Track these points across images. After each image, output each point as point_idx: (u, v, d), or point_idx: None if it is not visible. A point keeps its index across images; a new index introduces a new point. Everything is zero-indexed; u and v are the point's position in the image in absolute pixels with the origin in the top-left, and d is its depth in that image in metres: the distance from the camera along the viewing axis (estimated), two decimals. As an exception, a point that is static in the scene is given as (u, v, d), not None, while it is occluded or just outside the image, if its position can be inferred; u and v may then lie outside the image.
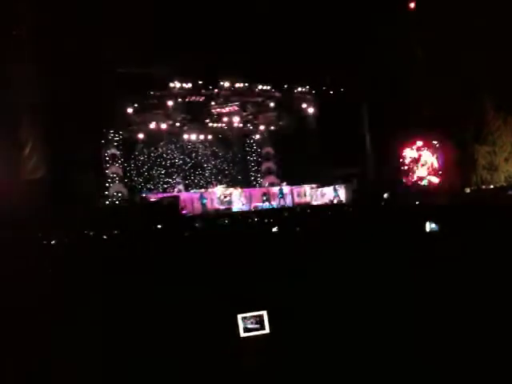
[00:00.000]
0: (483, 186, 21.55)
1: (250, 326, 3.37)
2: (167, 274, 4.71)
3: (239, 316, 3.37)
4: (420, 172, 23.81)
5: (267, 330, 3.40)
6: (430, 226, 8.84)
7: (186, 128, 27.15)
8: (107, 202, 24.79)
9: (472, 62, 19.28)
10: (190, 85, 25.13)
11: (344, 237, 6.66)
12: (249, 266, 4.57)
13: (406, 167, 23.77)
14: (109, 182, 25.60)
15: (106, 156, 25.71)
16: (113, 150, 25.98)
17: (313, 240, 6.86)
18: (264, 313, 3.40)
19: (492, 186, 20.71)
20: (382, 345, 3.38)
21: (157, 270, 4.97)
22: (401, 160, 24.08)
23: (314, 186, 26.81)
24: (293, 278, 4.12)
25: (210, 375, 3.20)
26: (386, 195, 20.64)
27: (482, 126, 21.24)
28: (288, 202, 26.24)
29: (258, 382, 3.24)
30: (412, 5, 21.95)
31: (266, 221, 15.52)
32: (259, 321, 3.39)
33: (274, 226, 13.59)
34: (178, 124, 26.59)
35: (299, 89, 27.12)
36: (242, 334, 3.38)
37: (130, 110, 24.92)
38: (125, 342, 3.39)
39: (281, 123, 28.41)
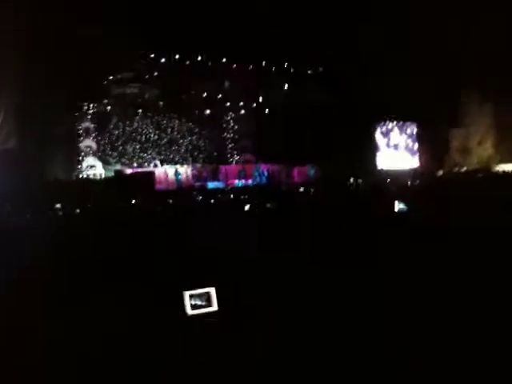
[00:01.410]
0: (456, 169, 21.83)
1: (197, 303, 3.34)
2: (122, 250, 4.64)
3: (186, 293, 3.33)
4: (394, 154, 23.98)
5: (215, 307, 3.37)
6: (398, 206, 9.00)
7: (162, 103, 26.74)
8: (80, 176, 24.49)
9: (451, 45, 19.33)
10: (167, 59, 24.75)
11: (307, 215, 6.66)
12: (205, 243, 4.52)
13: (379, 149, 23.91)
14: (82, 156, 25.19)
15: (79, 129, 25.26)
16: (87, 124, 25.49)
17: (276, 219, 6.86)
18: (212, 290, 3.37)
19: (464, 169, 21.01)
20: (332, 319, 3.38)
21: (112, 245, 4.89)
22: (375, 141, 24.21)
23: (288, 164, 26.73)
24: (246, 257, 4.09)
25: (156, 354, 3.16)
26: (352, 179, 20.77)
27: (458, 108, 21.40)
28: (263, 179, 26.20)
29: (206, 360, 3.21)
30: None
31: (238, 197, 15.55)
32: (207, 298, 3.35)
33: (246, 204, 13.59)
34: (154, 98, 26.17)
35: (278, 66, 26.89)
36: (190, 312, 3.34)
37: (105, 83, 24.45)
38: (70, 319, 3.33)
39: (260, 101, 28.19)
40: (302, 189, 19.15)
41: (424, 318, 3.20)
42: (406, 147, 24.21)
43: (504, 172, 17.29)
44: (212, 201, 16.21)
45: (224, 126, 29.33)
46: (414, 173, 21.73)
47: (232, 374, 3.00)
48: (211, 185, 25.23)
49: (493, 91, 20.55)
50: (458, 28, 18.87)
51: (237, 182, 25.93)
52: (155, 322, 3.34)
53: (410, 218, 7.58)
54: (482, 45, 18.35)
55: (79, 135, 25.27)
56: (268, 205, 11.83)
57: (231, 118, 29.18)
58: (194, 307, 3.33)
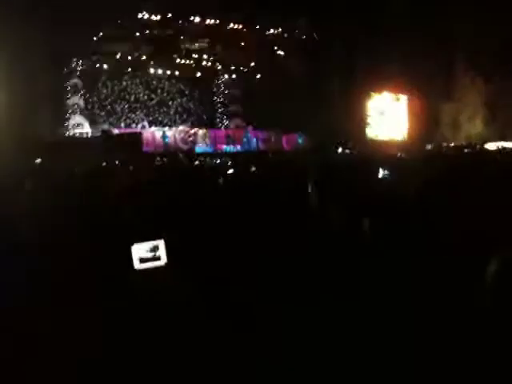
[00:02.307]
0: (444, 144, 21.75)
1: (145, 257, 3.27)
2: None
3: (134, 246, 3.25)
4: (383, 122, 23.81)
5: (164, 261, 3.30)
6: (382, 173, 9.21)
7: (152, 62, 26.24)
8: (66, 134, 24.18)
9: (447, 19, 19.04)
10: (159, 17, 24.16)
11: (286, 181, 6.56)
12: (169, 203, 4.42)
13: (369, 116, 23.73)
14: (69, 113, 24.82)
15: (67, 86, 24.80)
16: (75, 80, 25.02)
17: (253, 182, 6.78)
18: (161, 242, 3.29)
19: (452, 144, 20.93)
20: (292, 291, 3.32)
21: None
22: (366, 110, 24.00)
23: (278, 131, 26.54)
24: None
25: (102, 307, 3.09)
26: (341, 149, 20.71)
27: (450, 82, 21.21)
28: (252, 146, 26.05)
29: (153, 315, 3.16)
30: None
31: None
32: (155, 251, 3.28)
33: (230, 168, 13.48)
34: (144, 57, 25.66)
35: (271, 31, 26.40)
36: (137, 266, 3.27)
37: (95, 39, 23.88)
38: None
39: (252, 65, 27.76)
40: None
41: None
42: (396, 117, 24.05)
43: (490, 150, 17.22)
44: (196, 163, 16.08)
45: (214, 89, 28.95)
46: (401, 144, 21.67)
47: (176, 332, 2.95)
48: (199, 149, 25.05)
49: (486, 67, 20.32)
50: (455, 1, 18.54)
51: (225, 147, 25.76)
52: (102, 275, 3.27)
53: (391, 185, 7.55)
54: (477, 19, 18.07)
55: (67, 92, 24.87)
56: (252, 168, 11.76)
57: (222, 82, 28.78)
58: (142, 261, 3.26)
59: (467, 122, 21.08)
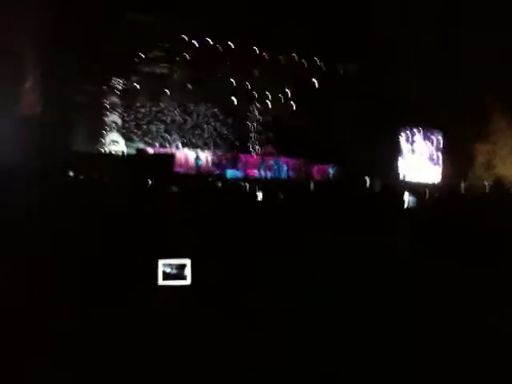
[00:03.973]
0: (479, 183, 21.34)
1: (170, 274, 3.25)
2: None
3: (160, 262, 3.24)
4: (417, 162, 23.56)
5: (189, 281, 3.27)
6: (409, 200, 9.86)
7: (189, 85, 26.71)
8: (102, 151, 24.71)
9: (481, 61, 18.95)
10: (198, 40, 24.78)
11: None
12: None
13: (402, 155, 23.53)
14: (106, 130, 25.41)
15: (106, 104, 25.44)
16: (114, 99, 25.66)
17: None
18: (187, 261, 3.27)
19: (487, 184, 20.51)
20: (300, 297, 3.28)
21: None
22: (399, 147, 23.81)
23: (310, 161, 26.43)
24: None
25: (124, 321, 3.09)
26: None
27: (484, 124, 20.92)
28: (282, 173, 26.05)
29: (175, 332, 3.13)
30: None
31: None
32: (181, 270, 3.26)
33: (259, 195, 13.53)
34: (182, 80, 26.16)
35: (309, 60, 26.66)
36: (161, 282, 3.25)
37: (136, 60, 24.58)
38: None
39: (287, 91, 27.97)
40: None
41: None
42: (430, 157, 23.76)
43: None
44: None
45: (249, 115, 29.18)
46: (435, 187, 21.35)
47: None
48: (230, 173, 25.20)
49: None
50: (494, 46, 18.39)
51: (256, 172, 25.86)
52: (125, 289, 3.27)
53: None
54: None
55: (106, 109, 25.50)
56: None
57: (256, 108, 29.02)
58: (166, 277, 3.24)
59: (501, 163, 20.70)
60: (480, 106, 19.97)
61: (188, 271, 3.29)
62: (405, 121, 22.25)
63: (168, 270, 3.27)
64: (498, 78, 18.57)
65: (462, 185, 21.47)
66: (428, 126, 22.83)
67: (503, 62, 18.13)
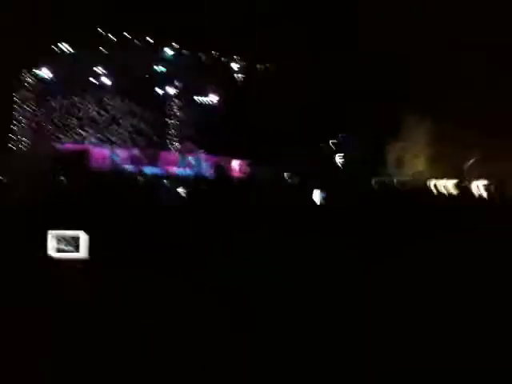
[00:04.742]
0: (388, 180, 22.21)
1: (63, 247, 3.06)
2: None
3: (50, 233, 3.04)
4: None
5: (83, 254, 3.10)
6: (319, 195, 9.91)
7: (106, 80, 25.92)
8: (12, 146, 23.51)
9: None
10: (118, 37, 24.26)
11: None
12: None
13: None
14: (16, 126, 24.17)
15: (16, 98, 24.24)
16: (24, 93, 24.47)
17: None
18: (81, 233, 3.09)
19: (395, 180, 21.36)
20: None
21: None
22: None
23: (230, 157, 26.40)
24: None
25: (16, 295, 2.87)
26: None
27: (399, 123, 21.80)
28: (201, 170, 25.85)
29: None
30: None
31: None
32: (74, 242, 3.08)
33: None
34: (98, 74, 25.36)
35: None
36: (53, 255, 3.05)
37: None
38: None
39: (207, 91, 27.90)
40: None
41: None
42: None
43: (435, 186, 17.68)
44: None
45: (168, 111, 28.78)
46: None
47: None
48: (149, 170, 24.66)
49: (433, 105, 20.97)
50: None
51: (176, 169, 25.50)
52: (15, 263, 3.05)
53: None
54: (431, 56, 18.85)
55: (15, 103, 24.31)
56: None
57: (176, 105, 28.68)
58: (58, 251, 3.05)
59: (413, 159, 21.68)
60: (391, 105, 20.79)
61: (83, 243, 3.12)
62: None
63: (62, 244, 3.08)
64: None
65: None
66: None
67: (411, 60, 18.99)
